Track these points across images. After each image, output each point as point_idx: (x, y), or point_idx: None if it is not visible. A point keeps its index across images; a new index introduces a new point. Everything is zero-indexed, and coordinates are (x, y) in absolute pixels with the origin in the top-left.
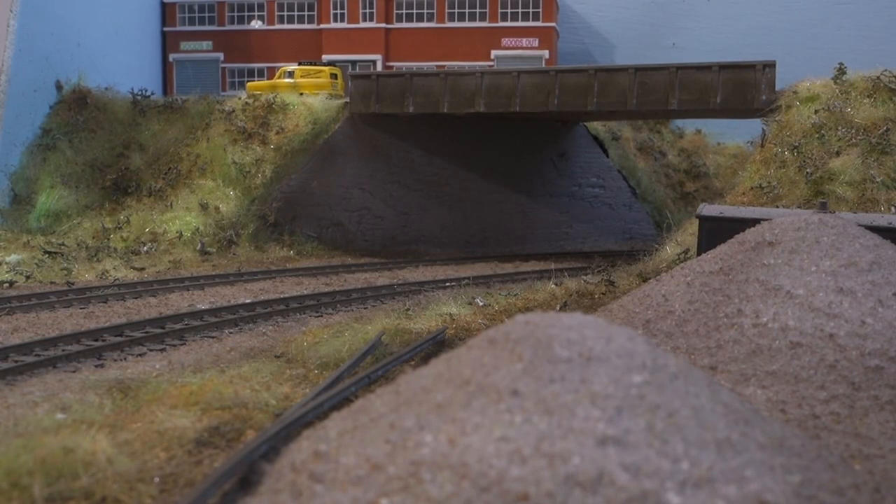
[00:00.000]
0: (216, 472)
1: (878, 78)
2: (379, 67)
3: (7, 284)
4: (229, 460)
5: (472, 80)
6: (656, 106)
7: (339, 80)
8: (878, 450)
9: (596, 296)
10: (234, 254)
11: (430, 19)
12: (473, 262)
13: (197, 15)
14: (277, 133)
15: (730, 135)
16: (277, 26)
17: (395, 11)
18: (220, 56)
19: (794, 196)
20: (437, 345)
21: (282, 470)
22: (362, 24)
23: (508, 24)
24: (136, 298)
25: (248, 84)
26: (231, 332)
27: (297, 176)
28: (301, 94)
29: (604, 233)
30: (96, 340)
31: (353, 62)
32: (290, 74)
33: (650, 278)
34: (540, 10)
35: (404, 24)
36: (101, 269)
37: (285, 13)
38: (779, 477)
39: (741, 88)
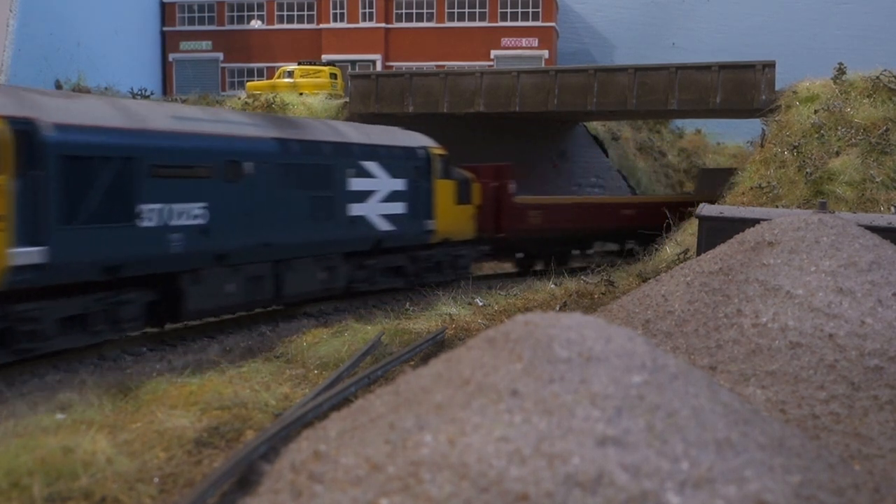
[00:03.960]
0: (216, 473)
1: (877, 78)
2: (378, 67)
3: None
4: (229, 460)
5: (471, 80)
6: (656, 106)
7: (339, 80)
8: (878, 450)
9: (595, 296)
10: None
11: (429, 19)
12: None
13: (197, 15)
14: None
15: (730, 135)
16: (277, 26)
17: (394, 11)
18: (220, 56)
19: (794, 196)
20: (436, 345)
21: (281, 470)
22: (362, 24)
23: (508, 23)
24: None
25: (248, 84)
26: (230, 332)
27: None
28: (301, 93)
29: None
30: None
31: (353, 62)
32: (290, 74)
33: (650, 278)
34: (540, 10)
35: (404, 24)
36: None
37: (285, 13)
38: (778, 477)
39: (741, 88)
